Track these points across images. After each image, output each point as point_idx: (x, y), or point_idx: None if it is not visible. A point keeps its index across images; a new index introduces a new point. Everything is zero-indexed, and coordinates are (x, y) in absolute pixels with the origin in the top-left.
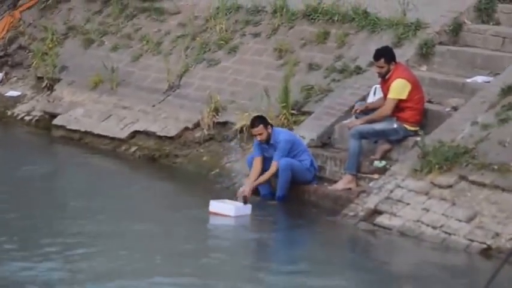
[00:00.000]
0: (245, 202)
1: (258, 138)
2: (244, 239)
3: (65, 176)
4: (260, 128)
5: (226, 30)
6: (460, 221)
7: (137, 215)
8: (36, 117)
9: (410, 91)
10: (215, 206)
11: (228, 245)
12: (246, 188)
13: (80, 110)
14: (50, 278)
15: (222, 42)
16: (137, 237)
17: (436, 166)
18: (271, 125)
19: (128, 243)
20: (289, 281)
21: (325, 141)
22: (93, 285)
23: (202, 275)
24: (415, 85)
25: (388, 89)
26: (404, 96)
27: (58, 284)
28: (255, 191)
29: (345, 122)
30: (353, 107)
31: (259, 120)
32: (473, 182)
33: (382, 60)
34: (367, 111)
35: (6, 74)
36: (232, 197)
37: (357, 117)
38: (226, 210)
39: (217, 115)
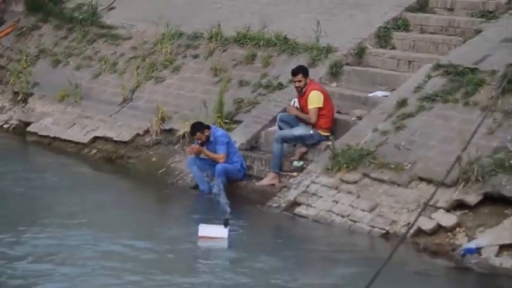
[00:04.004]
0: (226, 225)
1: (199, 141)
2: (185, 226)
3: (37, 173)
4: (198, 135)
5: (170, 53)
6: (363, 210)
7: (95, 206)
8: (13, 125)
9: (323, 100)
10: (206, 230)
11: (168, 233)
12: (195, 146)
13: (50, 119)
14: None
15: (167, 62)
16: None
17: (344, 165)
18: (209, 127)
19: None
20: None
21: (253, 145)
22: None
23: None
24: (326, 96)
25: (305, 102)
26: (321, 104)
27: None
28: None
29: (270, 128)
30: (276, 116)
31: (196, 128)
32: (374, 179)
33: (300, 75)
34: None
35: None
36: (176, 190)
37: (284, 120)
38: (219, 233)
39: (164, 123)
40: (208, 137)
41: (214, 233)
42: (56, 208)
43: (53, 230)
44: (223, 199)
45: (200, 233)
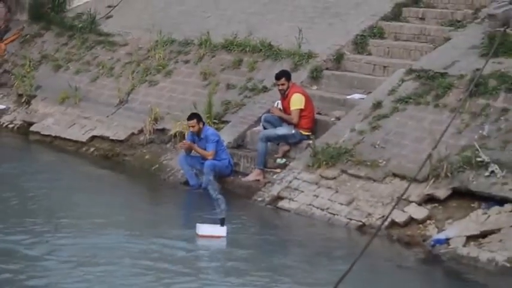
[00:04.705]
0: (222, 224)
1: (191, 129)
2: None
3: (41, 170)
4: (193, 122)
5: (163, 58)
6: (342, 204)
7: (101, 204)
8: (17, 125)
9: (305, 102)
10: (204, 229)
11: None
12: (187, 143)
13: (51, 120)
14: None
15: (160, 67)
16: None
17: (324, 163)
18: (204, 123)
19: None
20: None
21: (239, 144)
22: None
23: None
24: (307, 98)
25: (288, 104)
26: (302, 106)
27: None
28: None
29: (255, 128)
30: (260, 117)
31: (194, 115)
32: (351, 175)
33: (283, 78)
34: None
35: None
36: (168, 185)
37: (268, 121)
38: (218, 232)
39: (157, 123)
40: (200, 130)
41: (213, 231)
42: (65, 207)
43: (64, 228)
44: (213, 191)
45: (200, 232)
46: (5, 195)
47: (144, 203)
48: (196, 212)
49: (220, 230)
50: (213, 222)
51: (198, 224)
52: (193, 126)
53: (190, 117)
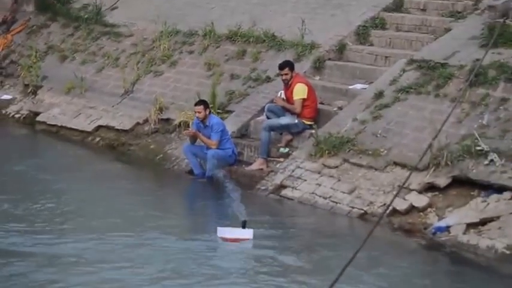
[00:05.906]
0: (244, 226)
1: (197, 115)
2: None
3: (45, 158)
4: (200, 108)
5: (168, 49)
6: (344, 193)
7: (99, 189)
8: (24, 115)
9: (307, 92)
10: (230, 233)
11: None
12: (192, 130)
13: (57, 110)
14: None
15: (165, 57)
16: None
17: (326, 152)
18: (210, 111)
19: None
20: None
21: (243, 133)
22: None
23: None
24: (310, 88)
25: (291, 93)
26: (305, 96)
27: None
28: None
29: (258, 118)
30: (264, 107)
31: (202, 101)
32: (353, 164)
33: (287, 68)
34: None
35: (0, 82)
36: (173, 175)
37: (271, 110)
38: (245, 234)
39: (162, 113)
40: (205, 117)
41: (239, 234)
42: (76, 203)
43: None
44: (219, 173)
45: (228, 236)
46: (33, 195)
47: (157, 198)
48: (210, 205)
49: (246, 233)
50: (226, 213)
51: (219, 228)
52: (199, 112)
53: (198, 103)
